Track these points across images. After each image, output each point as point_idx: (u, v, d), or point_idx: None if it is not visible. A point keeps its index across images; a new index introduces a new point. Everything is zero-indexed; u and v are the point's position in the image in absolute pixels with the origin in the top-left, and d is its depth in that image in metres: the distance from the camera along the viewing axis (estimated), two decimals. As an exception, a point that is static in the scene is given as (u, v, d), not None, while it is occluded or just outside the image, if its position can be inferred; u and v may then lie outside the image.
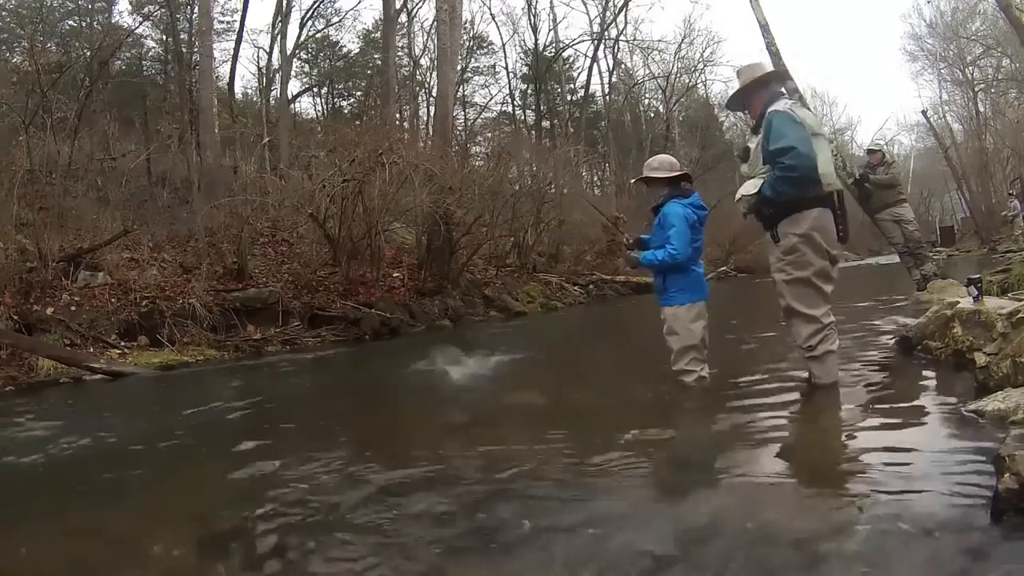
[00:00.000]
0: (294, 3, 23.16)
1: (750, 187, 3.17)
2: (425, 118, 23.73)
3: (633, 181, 4.28)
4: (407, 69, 25.90)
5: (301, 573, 1.81)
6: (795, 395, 3.29)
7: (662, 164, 3.77)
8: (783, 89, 3.37)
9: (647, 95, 33.89)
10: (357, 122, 20.65)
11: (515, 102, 31.16)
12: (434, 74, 20.28)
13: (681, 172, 3.74)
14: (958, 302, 3.54)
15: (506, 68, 30.97)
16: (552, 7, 31.87)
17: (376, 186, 11.20)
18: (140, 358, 7.99)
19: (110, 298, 8.94)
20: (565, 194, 16.60)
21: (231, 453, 3.25)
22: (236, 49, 21.41)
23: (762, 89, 3.28)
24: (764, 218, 3.22)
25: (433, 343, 6.73)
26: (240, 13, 21.24)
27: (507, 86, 31.12)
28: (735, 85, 3.56)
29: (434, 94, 19.52)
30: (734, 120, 31.29)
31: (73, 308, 8.40)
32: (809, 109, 3.48)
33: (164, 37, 19.90)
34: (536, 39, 30.25)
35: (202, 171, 14.09)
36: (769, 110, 3.11)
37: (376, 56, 25.39)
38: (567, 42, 31.64)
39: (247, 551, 1.99)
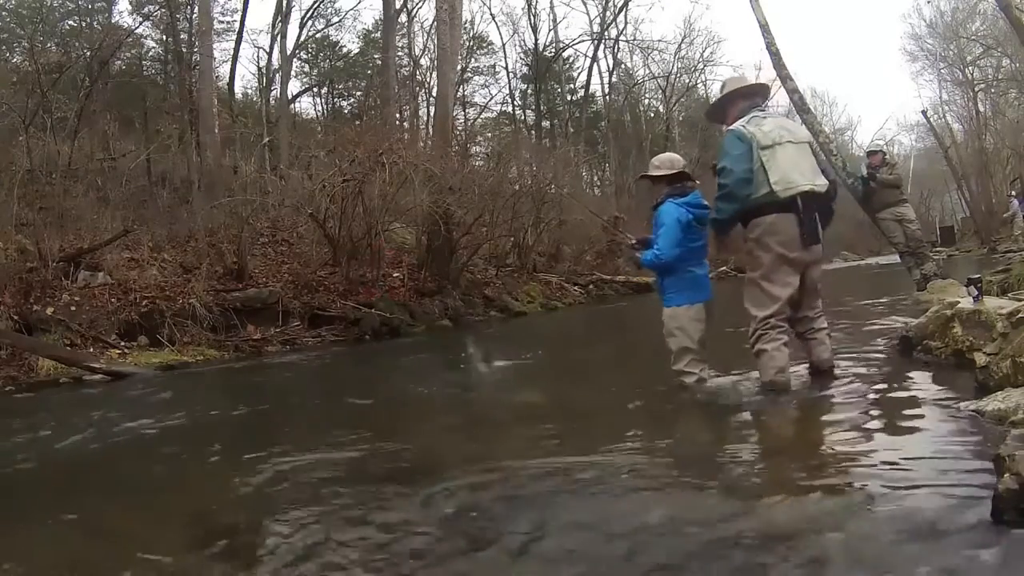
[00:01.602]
0: (294, 3, 23.17)
1: None
2: (425, 118, 23.70)
3: (638, 178, 4.30)
4: (407, 69, 25.88)
5: (301, 573, 1.81)
6: (793, 396, 3.29)
7: (663, 162, 3.76)
8: (760, 103, 3.45)
9: (647, 95, 33.91)
10: (357, 122, 20.63)
11: (515, 102, 31.13)
12: (434, 74, 20.27)
13: (679, 170, 3.72)
14: (958, 302, 3.54)
15: (506, 68, 30.96)
16: (552, 7, 31.81)
17: (376, 186, 11.20)
18: (140, 358, 7.99)
19: (110, 298, 8.93)
20: (565, 194, 16.60)
21: (230, 453, 3.26)
22: (236, 49, 21.39)
23: (736, 103, 3.41)
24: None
25: (433, 344, 6.76)
26: (240, 13, 21.21)
27: (507, 86, 31.10)
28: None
29: (434, 94, 19.50)
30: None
31: (73, 308, 8.40)
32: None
33: (164, 37, 19.87)
34: (536, 39, 30.25)
35: (202, 171, 14.10)
36: (727, 128, 3.31)
37: (376, 56, 25.36)
38: (567, 42, 31.63)
39: (247, 551, 1.99)
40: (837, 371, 3.50)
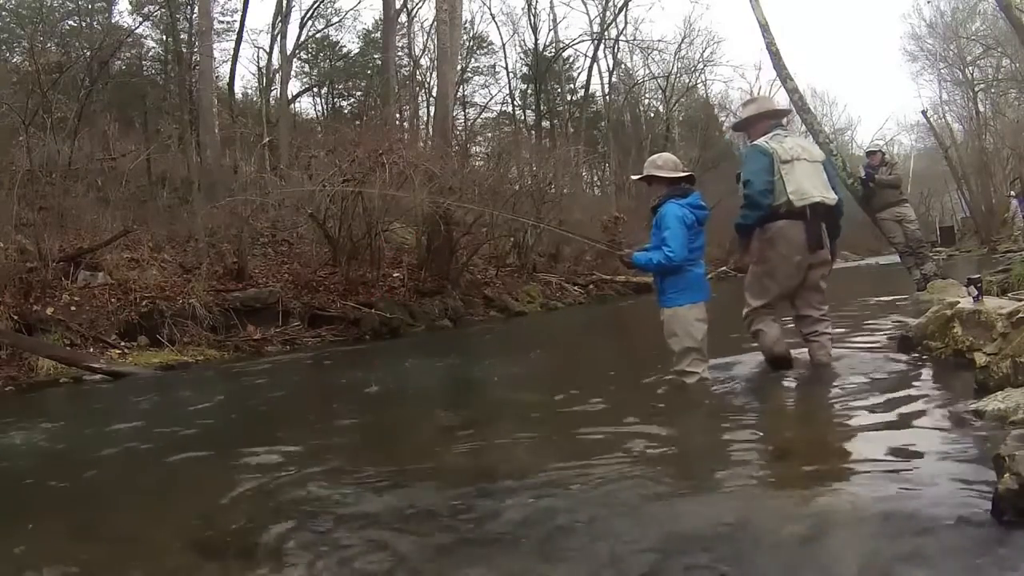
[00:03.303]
0: (294, 3, 23.15)
1: None
2: (425, 118, 23.70)
3: (634, 179, 4.33)
4: (407, 69, 25.88)
5: (300, 573, 1.81)
6: (795, 395, 3.29)
7: (666, 163, 3.75)
8: (783, 123, 3.86)
9: (647, 95, 33.86)
10: (357, 122, 20.62)
11: (515, 102, 31.13)
12: (434, 74, 20.28)
13: (685, 173, 3.73)
14: (958, 302, 3.54)
15: (506, 68, 30.95)
16: (552, 7, 31.73)
17: (376, 186, 11.21)
18: (140, 358, 8.00)
19: (110, 298, 8.94)
20: (565, 194, 16.62)
21: (231, 452, 3.25)
22: (236, 49, 21.40)
23: (761, 121, 3.76)
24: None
25: (434, 344, 6.75)
26: (240, 13, 21.21)
27: (507, 86, 31.10)
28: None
29: (434, 94, 19.52)
30: (734, 120, 31.34)
31: (73, 308, 8.41)
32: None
33: (164, 37, 19.87)
34: (536, 39, 30.22)
35: (202, 171, 14.10)
36: (751, 143, 3.69)
37: (376, 56, 25.37)
38: (567, 42, 31.59)
39: (247, 551, 1.99)
40: (836, 371, 3.51)
